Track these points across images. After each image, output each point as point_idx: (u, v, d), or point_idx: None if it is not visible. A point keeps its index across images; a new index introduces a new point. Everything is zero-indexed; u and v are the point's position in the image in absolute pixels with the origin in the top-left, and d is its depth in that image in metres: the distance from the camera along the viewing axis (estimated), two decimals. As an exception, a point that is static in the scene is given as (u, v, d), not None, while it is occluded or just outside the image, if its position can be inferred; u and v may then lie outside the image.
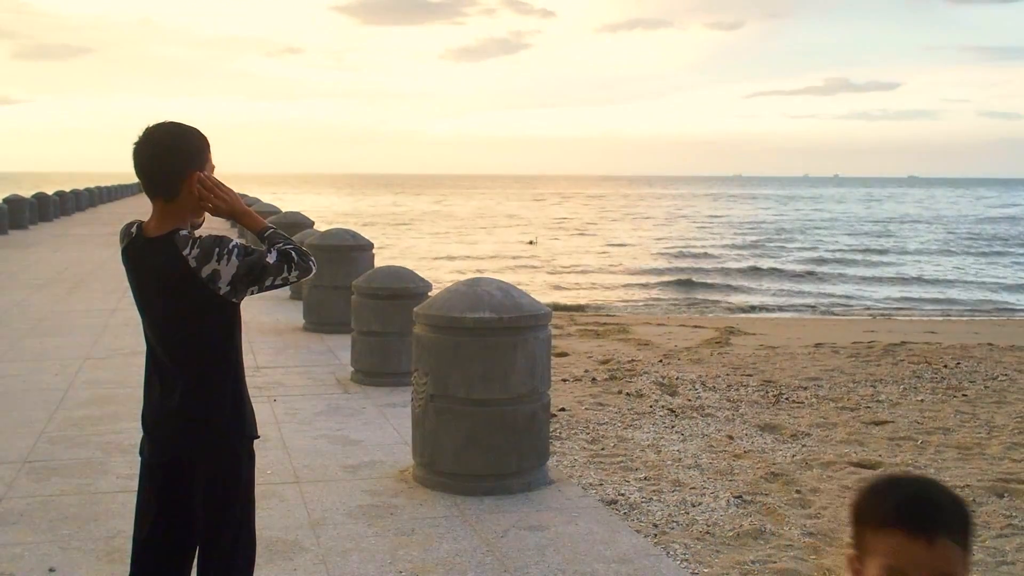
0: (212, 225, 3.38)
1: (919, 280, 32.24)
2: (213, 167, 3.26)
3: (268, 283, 3.18)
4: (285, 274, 3.19)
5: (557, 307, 24.21)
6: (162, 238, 3.14)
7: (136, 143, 3.16)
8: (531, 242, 49.57)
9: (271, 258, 3.16)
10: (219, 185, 3.23)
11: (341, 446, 6.97)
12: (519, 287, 6.46)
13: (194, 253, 3.08)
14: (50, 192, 40.18)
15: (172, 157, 3.16)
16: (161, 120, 3.21)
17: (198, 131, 3.24)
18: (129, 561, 3.49)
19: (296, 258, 3.20)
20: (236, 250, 3.11)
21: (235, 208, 3.26)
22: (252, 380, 8.81)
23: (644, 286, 29.49)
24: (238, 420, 3.29)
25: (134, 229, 3.25)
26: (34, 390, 8.64)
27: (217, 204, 3.23)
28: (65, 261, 21.37)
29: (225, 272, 3.09)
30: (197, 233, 3.21)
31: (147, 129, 3.17)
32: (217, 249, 3.09)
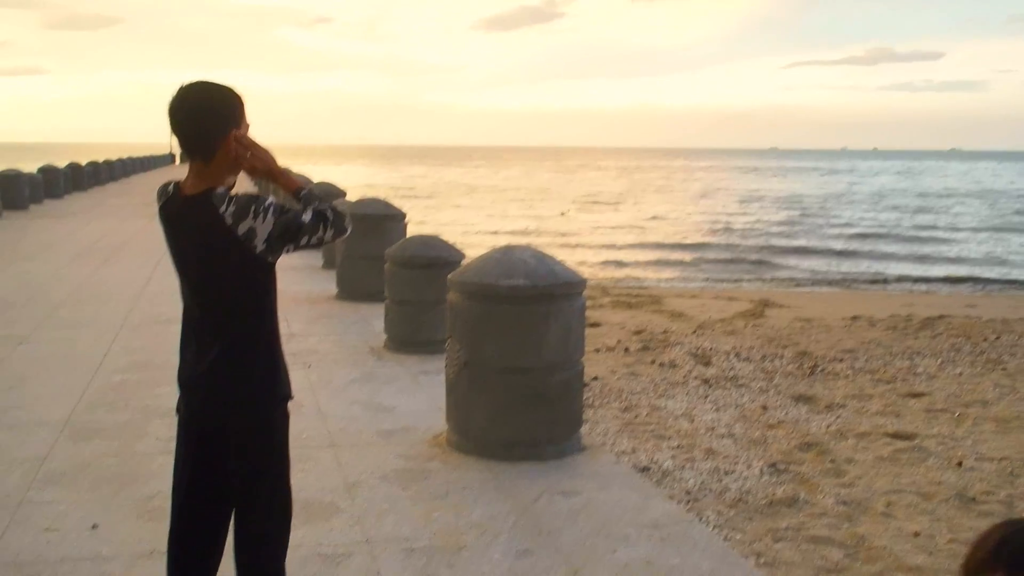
0: (245, 186, 3.40)
1: (961, 256, 31.90)
2: (248, 126, 3.27)
3: (303, 242, 3.18)
4: (320, 233, 3.19)
5: (590, 278, 24.17)
6: (198, 196, 3.15)
7: (171, 103, 3.15)
8: (563, 213, 49.48)
9: (307, 217, 3.16)
10: (255, 144, 3.24)
11: (375, 412, 7.02)
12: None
13: (230, 211, 3.09)
14: (83, 163, 40.44)
15: (208, 117, 3.16)
16: (196, 79, 3.20)
17: (232, 90, 3.22)
18: (169, 519, 3.54)
19: (331, 217, 3.21)
20: (272, 208, 3.12)
21: (271, 168, 3.27)
22: (286, 347, 8.83)
23: (678, 260, 29.36)
24: (273, 380, 3.30)
25: (171, 188, 3.27)
26: (72, 357, 8.74)
27: (253, 163, 3.23)
28: (100, 231, 21.54)
29: (261, 230, 3.09)
30: (233, 192, 3.22)
31: (181, 88, 3.16)
32: (253, 207, 3.09)
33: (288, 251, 3.18)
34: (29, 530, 4.74)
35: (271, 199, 3.15)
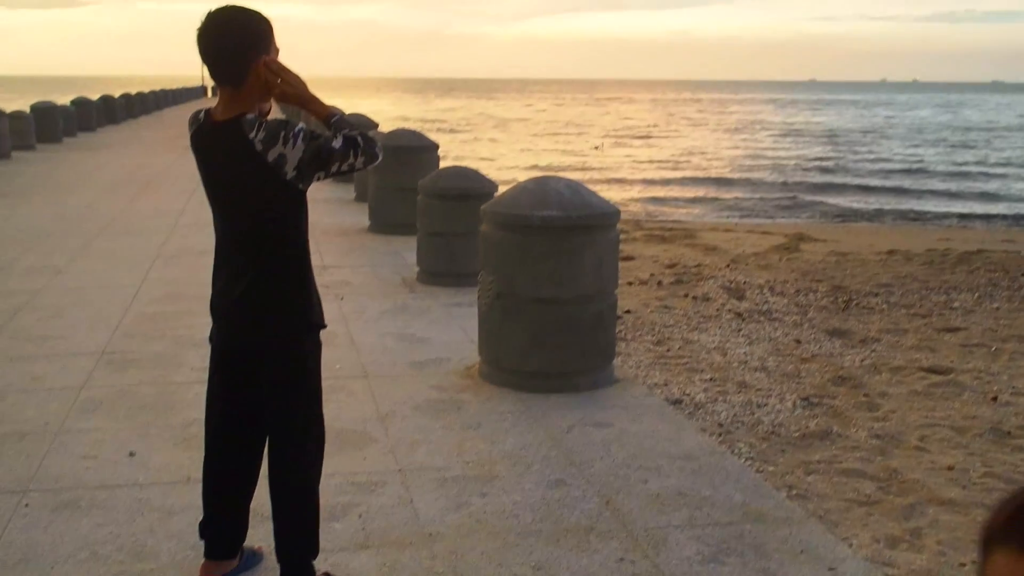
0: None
1: (998, 193, 31.44)
2: (278, 51, 3.24)
3: (334, 168, 3.16)
4: (351, 160, 3.16)
5: (623, 212, 24.05)
6: (229, 122, 3.13)
7: (200, 29, 3.11)
8: (596, 147, 49.17)
9: (337, 143, 3.14)
10: (286, 70, 3.21)
11: (408, 343, 7.04)
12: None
13: (260, 137, 3.07)
14: (116, 95, 40.49)
15: (237, 41, 3.13)
16: (225, 4, 3.16)
17: (261, 14, 3.18)
18: (204, 442, 3.58)
19: (362, 144, 3.18)
20: (302, 134, 3.09)
21: (302, 93, 3.24)
22: (319, 279, 8.85)
23: (712, 195, 29.12)
24: (304, 308, 3.31)
25: (202, 115, 3.25)
26: (108, 287, 8.81)
27: (284, 89, 3.21)
28: (134, 163, 21.62)
29: (291, 156, 3.08)
30: (264, 118, 3.20)
31: (210, 14, 3.12)
32: (283, 133, 3.07)
33: (319, 178, 3.17)
34: (68, 457, 4.81)
35: (301, 125, 3.13)
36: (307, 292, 3.32)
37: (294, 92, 3.22)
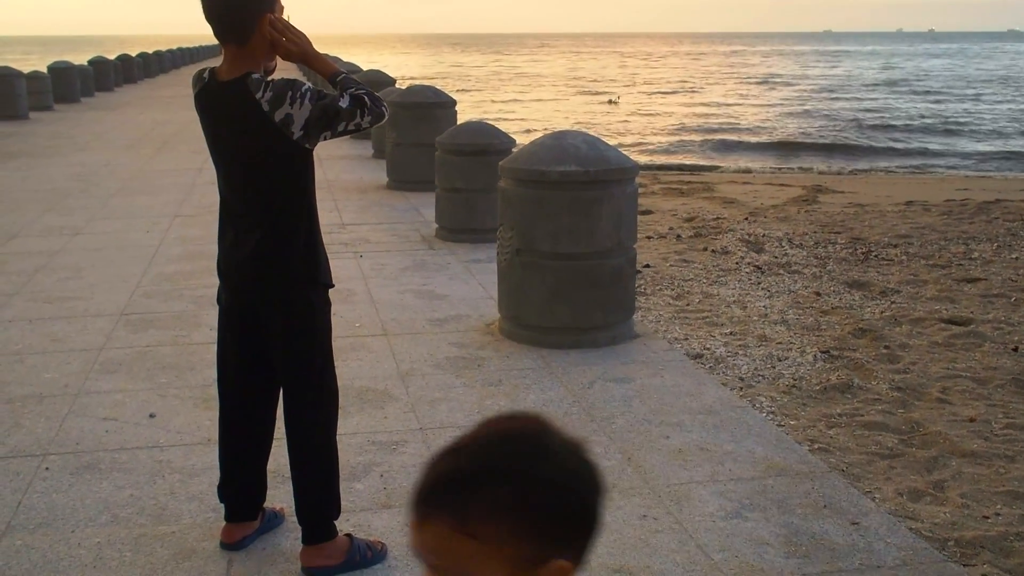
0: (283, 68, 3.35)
1: (1013, 142, 31.09)
2: (283, 8, 3.21)
3: (341, 128, 3.13)
4: (358, 119, 3.14)
5: (640, 165, 23.89)
6: (234, 82, 3.10)
7: None
8: (611, 101, 48.84)
9: (344, 102, 3.11)
10: (290, 28, 3.18)
11: (427, 300, 7.03)
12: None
13: (267, 96, 3.04)
14: (134, 54, 40.42)
15: (242, 1, 3.10)
16: None
17: None
18: (218, 402, 3.59)
19: (369, 103, 3.15)
20: (309, 94, 3.07)
21: (307, 52, 3.21)
22: (338, 236, 8.95)
23: (731, 146, 28.87)
24: (312, 266, 3.29)
25: (206, 74, 3.22)
26: (127, 247, 8.82)
27: (289, 47, 3.18)
28: (151, 122, 21.60)
29: (298, 116, 3.05)
30: (269, 77, 3.17)
31: None
32: (290, 92, 3.05)
33: (325, 137, 3.14)
34: (88, 419, 4.82)
35: (308, 84, 3.10)
36: (315, 249, 3.31)
37: (299, 50, 3.19)
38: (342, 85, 3.19)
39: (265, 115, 3.04)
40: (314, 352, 3.37)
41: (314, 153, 3.22)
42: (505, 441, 1.20)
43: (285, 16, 3.22)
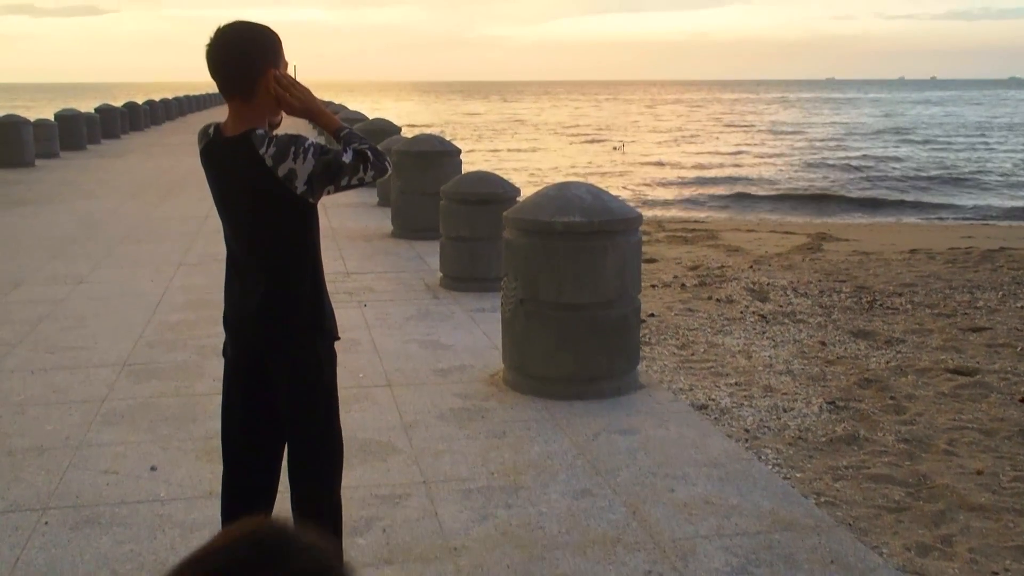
0: (289, 123, 3.36)
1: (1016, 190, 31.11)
2: (287, 64, 3.23)
3: (344, 182, 3.14)
4: (360, 174, 3.15)
5: (645, 212, 23.93)
6: (239, 138, 3.12)
7: (209, 44, 3.12)
8: (616, 148, 49.05)
9: (347, 157, 3.12)
10: (294, 83, 3.20)
11: (431, 350, 7.01)
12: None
13: (270, 152, 3.06)
14: (140, 101, 40.70)
15: (246, 56, 3.13)
16: (233, 20, 3.16)
17: (269, 29, 3.19)
18: (222, 457, 3.56)
19: (372, 158, 3.16)
20: (312, 149, 3.08)
21: (311, 107, 3.23)
22: (343, 285, 8.95)
23: (737, 197, 28.90)
24: (317, 319, 3.29)
25: (211, 130, 3.24)
26: (131, 295, 8.82)
27: (292, 103, 3.20)
28: (156, 169, 21.70)
29: (302, 171, 3.06)
30: (273, 132, 3.18)
31: (219, 29, 3.13)
32: (293, 148, 3.06)
33: (329, 192, 3.15)
34: (89, 472, 4.79)
35: (311, 139, 3.12)
36: (321, 301, 3.31)
37: (303, 105, 3.20)
38: (346, 140, 3.21)
39: (269, 170, 3.05)
40: (320, 404, 3.36)
41: (318, 204, 3.23)
42: (244, 546, 1.15)
43: (290, 70, 3.24)
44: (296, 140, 3.08)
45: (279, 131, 3.23)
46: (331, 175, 3.11)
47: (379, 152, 3.20)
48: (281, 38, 3.21)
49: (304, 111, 3.22)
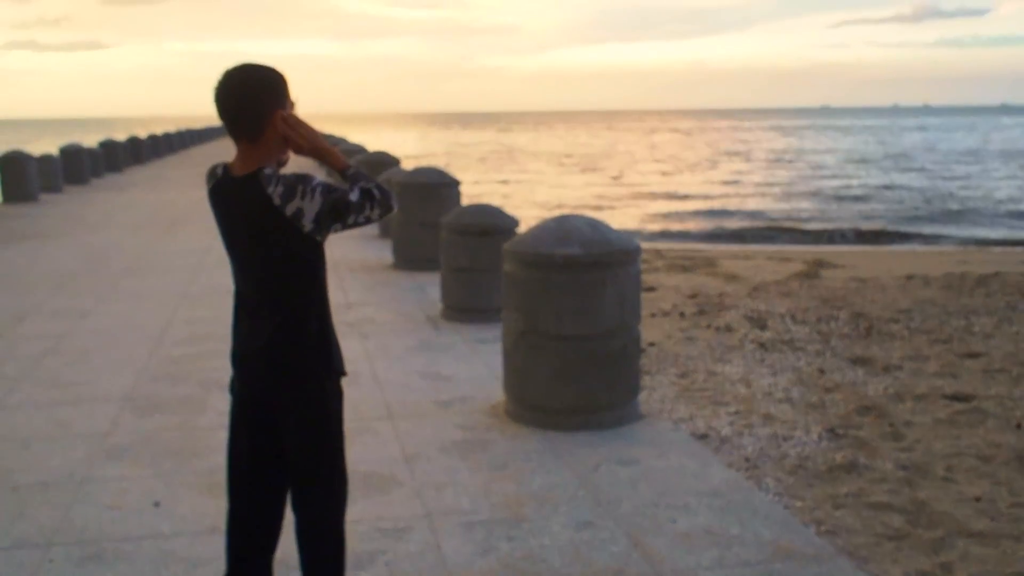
0: (296, 162, 3.41)
1: (1013, 214, 31.20)
2: (293, 105, 3.29)
3: (351, 220, 3.19)
4: (367, 212, 3.20)
5: (645, 237, 24.05)
6: (247, 177, 3.18)
7: (217, 86, 3.18)
8: (615, 177, 49.23)
9: (353, 196, 3.17)
10: (301, 123, 3.25)
11: (433, 381, 7.05)
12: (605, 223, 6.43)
13: (278, 191, 3.11)
14: (143, 135, 40.88)
15: (254, 97, 3.18)
16: (240, 62, 3.23)
17: (276, 70, 3.25)
18: (227, 493, 3.59)
19: (378, 196, 3.22)
20: (319, 187, 3.14)
21: (318, 146, 3.28)
22: (344, 317, 9.00)
23: (734, 230, 28.99)
24: (325, 356, 3.33)
25: (220, 170, 3.30)
26: (134, 328, 8.87)
27: (300, 143, 3.25)
28: (159, 202, 21.79)
29: (309, 209, 3.12)
30: (281, 171, 3.24)
31: (226, 72, 3.19)
32: (301, 187, 3.11)
33: (336, 230, 3.20)
34: (93, 507, 4.83)
35: (318, 178, 3.17)
36: (327, 338, 3.35)
37: (309, 145, 3.26)
38: (352, 178, 3.26)
39: (277, 209, 3.11)
40: (326, 441, 3.39)
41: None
42: None
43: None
44: (304, 179, 3.13)
45: (285, 169, 3.29)
46: (338, 213, 3.16)
47: (385, 190, 3.25)
48: (287, 78, 3.27)
49: (311, 150, 3.27)
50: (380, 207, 3.22)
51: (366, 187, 3.21)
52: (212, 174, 3.32)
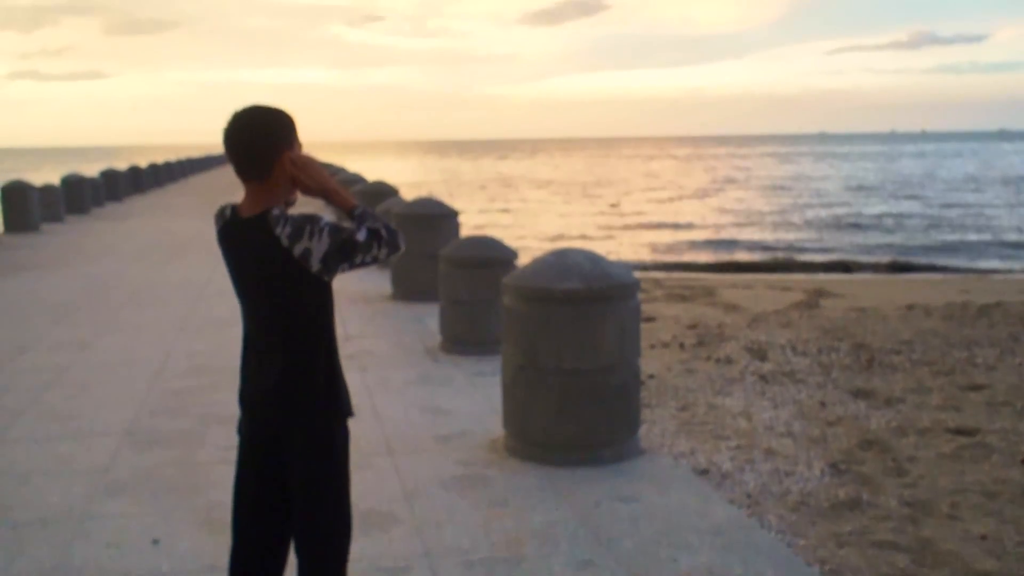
0: (304, 203, 3.42)
1: (1014, 242, 31.23)
2: (301, 146, 3.30)
3: (358, 260, 3.20)
4: (375, 252, 3.21)
5: (643, 266, 24.07)
6: (255, 218, 3.19)
7: (226, 128, 3.20)
8: (613, 205, 49.34)
9: (361, 236, 3.18)
10: (309, 163, 3.26)
11: (432, 416, 7.03)
12: (604, 252, 6.43)
13: (286, 232, 3.12)
14: (143, 164, 41.00)
15: (263, 140, 3.20)
16: (248, 104, 3.24)
17: (284, 112, 3.27)
18: (231, 533, 3.56)
19: (385, 236, 3.22)
20: (327, 228, 3.14)
21: (326, 187, 3.29)
22: (343, 349, 8.88)
23: (731, 252, 29.03)
24: (332, 398, 3.33)
25: (228, 211, 3.31)
26: (134, 361, 8.85)
27: (308, 183, 3.26)
28: (159, 231, 21.81)
29: (317, 250, 3.12)
30: (289, 211, 3.25)
31: (235, 114, 3.21)
32: (308, 227, 3.12)
33: (343, 270, 3.21)
34: (92, 545, 4.79)
35: (325, 219, 3.17)
36: (335, 379, 3.35)
37: (317, 186, 3.26)
38: (360, 218, 3.26)
39: (285, 249, 3.12)
40: (331, 483, 3.38)
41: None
42: None
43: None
44: (311, 219, 3.14)
45: (294, 209, 3.29)
46: (345, 254, 3.17)
47: (392, 230, 3.26)
48: (295, 119, 3.28)
49: (319, 191, 3.28)
50: (388, 247, 3.22)
51: (373, 227, 3.22)
52: (221, 215, 3.33)
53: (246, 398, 3.41)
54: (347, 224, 3.27)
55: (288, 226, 3.13)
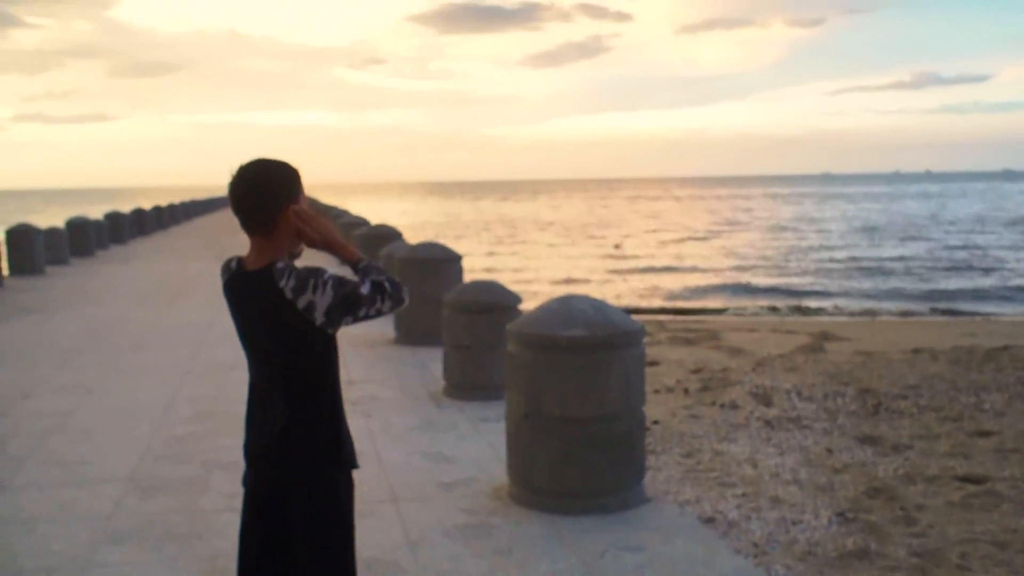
0: (309, 256, 3.43)
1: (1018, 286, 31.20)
2: (306, 199, 3.32)
3: (362, 314, 3.22)
4: (378, 305, 3.22)
5: (644, 311, 24.05)
6: (260, 271, 3.21)
7: (231, 182, 3.23)
8: (616, 246, 49.40)
9: (365, 289, 3.20)
10: (314, 217, 3.28)
11: (436, 462, 7.00)
12: (606, 295, 6.42)
13: (290, 285, 3.14)
14: (147, 206, 41.19)
15: (267, 193, 3.23)
16: (253, 159, 3.27)
17: (289, 165, 3.31)
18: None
19: (389, 289, 3.24)
20: (331, 281, 3.16)
21: (330, 240, 3.31)
22: (346, 394, 8.87)
23: (736, 296, 29.02)
24: (336, 449, 3.34)
25: (234, 264, 3.33)
26: (137, 406, 8.83)
27: (312, 236, 3.28)
28: (162, 274, 21.86)
29: (320, 303, 3.14)
30: (294, 264, 3.26)
31: (240, 168, 3.24)
32: (312, 280, 3.14)
33: (347, 323, 3.22)
34: (96, 594, 4.77)
35: (330, 272, 3.19)
36: (339, 430, 3.36)
37: (322, 239, 3.28)
38: (363, 271, 3.28)
39: (289, 302, 3.14)
40: (335, 533, 3.37)
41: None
42: None
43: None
44: (315, 272, 3.16)
45: (299, 262, 3.31)
46: (349, 306, 3.18)
47: (396, 284, 3.27)
48: (300, 172, 3.31)
49: (324, 244, 3.30)
50: (391, 300, 3.24)
51: (377, 280, 3.23)
52: (227, 268, 3.35)
53: (250, 450, 3.42)
54: (351, 277, 3.29)
55: (292, 279, 3.15)
